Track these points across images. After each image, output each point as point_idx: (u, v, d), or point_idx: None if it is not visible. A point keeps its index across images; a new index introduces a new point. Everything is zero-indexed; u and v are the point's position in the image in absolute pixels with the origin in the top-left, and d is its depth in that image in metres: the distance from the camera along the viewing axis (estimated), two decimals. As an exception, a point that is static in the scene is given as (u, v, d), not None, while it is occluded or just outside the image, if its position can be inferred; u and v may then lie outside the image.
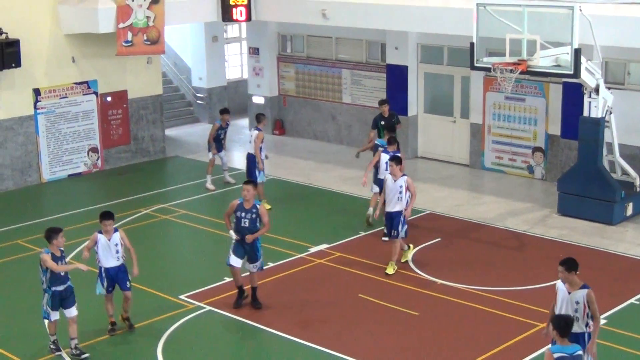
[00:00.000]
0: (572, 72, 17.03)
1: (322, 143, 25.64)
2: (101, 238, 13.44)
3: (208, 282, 15.71)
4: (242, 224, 14.14)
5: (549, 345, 11.14)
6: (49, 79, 22.14)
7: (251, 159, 19.60)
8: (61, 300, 12.84)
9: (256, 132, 19.47)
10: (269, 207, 19.46)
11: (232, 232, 14.35)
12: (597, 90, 17.88)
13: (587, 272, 15.89)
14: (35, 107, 21.98)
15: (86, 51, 22.70)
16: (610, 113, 18.33)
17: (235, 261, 14.34)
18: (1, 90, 21.26)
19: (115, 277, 13.56)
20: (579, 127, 18.54)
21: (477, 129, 22.61)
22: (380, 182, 17.41)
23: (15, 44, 20.72)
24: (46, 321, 13.01)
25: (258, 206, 14.19)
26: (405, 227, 15.91)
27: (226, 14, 23.82)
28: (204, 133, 27.68)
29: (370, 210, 18.19)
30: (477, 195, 20.77)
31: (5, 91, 21.35)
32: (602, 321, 13.78)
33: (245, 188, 14.21)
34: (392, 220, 15.80)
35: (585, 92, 18.17)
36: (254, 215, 14.10)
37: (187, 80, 29.68)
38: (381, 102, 20.27)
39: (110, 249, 13.44)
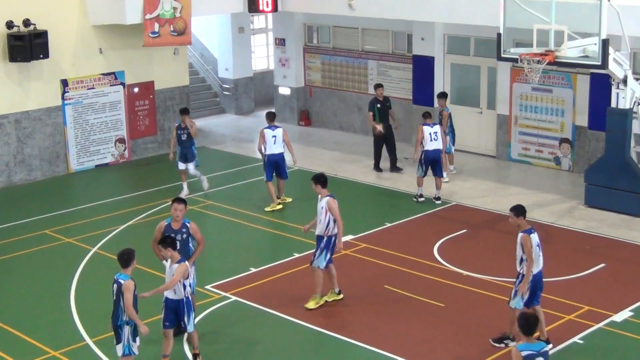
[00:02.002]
0: (600, 63, 16.90)
1: (347, 134, 25.64)
2: (167, 263, 12.04)
3: (234, 272, 15.78)
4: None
5: (514, 344, 12.14)
6: (77, 70, 22.28)
7: (281, 159, 19.18)
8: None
9: (280, 129, 19.10)
10: (289, 199, 19.56)
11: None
12: (625, 81, 17.76)
13: (614, 263, 15.85)
14: (63, 98, 22.13)
15: (113, 42, 22.82)
16: (639, 104, 18.19)
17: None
18: (30, 81, 21.41)
19: (176, 312, 12.00)
20: (606, 118, 18.43)
21: (504, 120, 22.51)
22: (425, 159, 19.04)
23: (43, 35, 20.86)
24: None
25: (188, 225, 12.84)
26: (328, 255, 13.98)
27: (252, 5, 23.87)
28: (230, 124, 27.86)
29: (418, 190, 19.40)
30: (503, 186, 20.69)
31: (33, 82, 21.50)
32: (629, 314, 13.74)
33: (176, 207, 12.82)
34: (316, 243, 14.14)
35: (613, 83, 18.06)
36: (184, 236, 12.76)
37: (213, 71, 29.76)
38: (376, 86, 21.83)
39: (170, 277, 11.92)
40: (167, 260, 12.15)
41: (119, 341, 11.40)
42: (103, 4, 21.88)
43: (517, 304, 12.40)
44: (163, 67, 24.10)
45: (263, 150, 19.13)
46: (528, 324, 9.64)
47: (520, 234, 12.34)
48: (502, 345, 12.76)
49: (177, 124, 20.07)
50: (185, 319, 12.03)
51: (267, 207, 19.16)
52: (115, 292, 11.21)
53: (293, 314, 13.98)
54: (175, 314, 12.02)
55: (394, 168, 21.89)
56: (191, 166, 20.03)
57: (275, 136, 19.00)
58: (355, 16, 23.31)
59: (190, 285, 12.16)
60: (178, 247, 12.37)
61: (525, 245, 12.22)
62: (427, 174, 19.24)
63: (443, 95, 21.25)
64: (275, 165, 19.15)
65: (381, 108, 21.60)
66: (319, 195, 14.11)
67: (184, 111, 20.07)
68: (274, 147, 19.03)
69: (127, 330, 11.32)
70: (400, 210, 18.93)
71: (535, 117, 21.93)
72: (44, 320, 14.11)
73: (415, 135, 19.74)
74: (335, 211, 13.84)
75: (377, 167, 22.05)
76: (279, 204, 19.30)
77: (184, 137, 19.86)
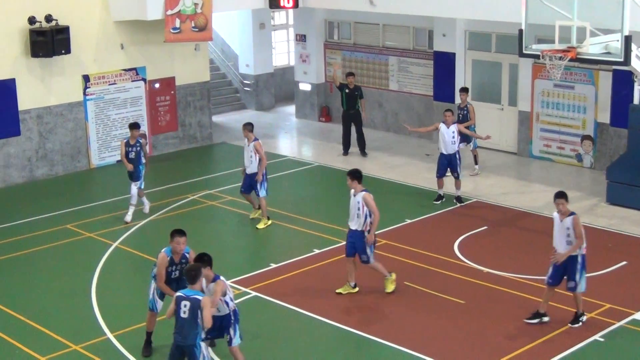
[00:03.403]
0: (622, 60, 16.76)
1: (368, 130, 25.52)
2: (203, 285, 11.46)
3: (254, 268, 15.80)
4: (172, 276, 12.30)
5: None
6: (98, 66, 22.37)
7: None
8: None
9: (255, 142, 17.73)
10: (268, 222, 17.99)
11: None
12: (647, 77, 17.65)
13: (636, 261, 15.78)
14: (84, 94, 22.23)
15: (135, 38, 22.89)
16: (661, 101, 18.09)
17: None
18: (52, 76, 21.52)
19: (221, 326, 11.65)
20: (629, 115, 18.33)
21: (525, 116, 22.42)
22: (442, 162, 18.98)
23: (65, 30, 20.95)
24: None
25: (187, 255, 12.26)
26: (373, 248, 14.42)
27: (273, 1, 23.88)
28: (250, 120, 27.73)
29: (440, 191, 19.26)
30: (524, 183, 20.61)
31: (55, 77, 21.61)
32: (651, 312, 13.70)
33: (179, 241, 12.11)
34: (353, 239, 14.31)
35: (635, 79, 17.93)
36: (184, 266, 12.11)
37: (234, 67, 29.81)
38: (348, 74, 23.14)
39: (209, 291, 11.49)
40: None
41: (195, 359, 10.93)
42: (125, 0, 21.93)
43: (584, 286, 13.11)
44: (184, 63, 24.15)
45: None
46: None
47: (572, 217, 12.87)
48: (579, 324, 13.18)
49: (125, 140, 18.28)
50: (232, 332, 11.66)
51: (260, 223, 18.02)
52: (189, 309, 10.72)
53: (313, 309, 13.98)
54: (219, 328, 11.61)
55: (363, 153, 23.09)
56: (134, 187, 18.26)
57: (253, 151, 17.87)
58: (376, 12, 23.26)
59: (232, 299, 11.61)
60: (178, 276, 12.24)
61: (577, 225, 12.82)
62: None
63: (467, 90, 21.21)
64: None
65: (349, 94, 22.85)
66: (352, 190, 14.30)
67: (134, 126, 18.26)
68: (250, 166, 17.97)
69: (203, 346, 10.98)
70: (420, 206, 18.90)
71: (557, 113, 21.83)
72: (65, 315, 14.18)
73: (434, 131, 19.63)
74: (371, 205, 14.10)
75: (345, 153, 23.31)
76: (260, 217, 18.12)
77: (131, 155, 18.16)
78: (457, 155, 18.90)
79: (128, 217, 18.31)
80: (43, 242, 17.35)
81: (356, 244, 14.28)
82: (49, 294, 15.10)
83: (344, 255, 14.72)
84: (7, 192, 20.88)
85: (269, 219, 18.01)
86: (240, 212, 18.90)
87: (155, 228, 18.02)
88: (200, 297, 10.76)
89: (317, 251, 16.51)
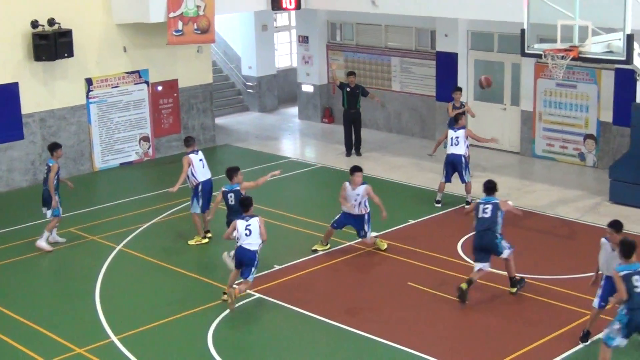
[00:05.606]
0: (624, 59, 16.76)
1: (370, 131, 25.59)
2: None
3: (258, 269, 15.76)
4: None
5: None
6: (101, 69, 22.40)
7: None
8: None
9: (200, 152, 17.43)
10: (202, 241, 17.14)
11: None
12: (650, 76, 17.64)
13: (640, 260, 15.72)
14: (87, 97, 22.26)
15: (137, 41, 22.92)
16: (664, 99, 18.06)
17: None
18: (54, 80, 21.55)
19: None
20: (631, 113, 18.31)
21: (528, 116, 22.42)
22: (445, 162, 18.96)
23: (67, 34, 20.98)
24: None
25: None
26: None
27: (275, 3, 23.88)
28: (253, 122, 27.94)
29: (437, 195, 19.20)
30: (527, 183, 20.61)
31: (58, 81, 21.64)
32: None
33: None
34: (356, 222, 16.50)
35: (637, 78, 17.92)
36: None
37: (236, 69, 29.83)
38: (349, 73, 23.43)
39: None
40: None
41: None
42: (127, 3, 21.95)
43: None
44: (187, 66, 24.17)
45: (194, 179, 17.16)
46: (630, 247, 11.08)
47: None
48: None
49: (56, 164, 16.88)
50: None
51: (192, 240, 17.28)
52: (234, 198, 15.47)
53: (316, 310, 13.99)
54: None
55: (357, 152, 23.30)
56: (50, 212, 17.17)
57: (202, 160, 17.36)
58: (379, 13, 23.27)
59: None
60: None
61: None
62: (452, 180, 19.05)
63: (460, 89, 21.26)
64: (210, 193, 17.40)
65: (350, 93, 23.07)
66: (350, 185, 16.32)
67: (56, 145, 17.15)
68: (205, 172, 17.39)
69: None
70: (423, 207, 18.89)
71: (560, 113, 21.82)
72: (69, 318, 14.21)
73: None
74: (372, 194, 16.33)
75: (348, 153, 23.33)
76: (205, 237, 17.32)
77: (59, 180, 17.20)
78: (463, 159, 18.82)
79: (59, 238, 17.43)
80: (47, 246, 17.37)
81: (358, 224, 16.48)
82: (53, 297, 15.14)
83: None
84: (10, 195, 20.94)
85: (205, 235, 17.19)
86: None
87: (159, 231, 18.03)
88: (238, 187, 15.52)
89: (321, 252, 16.51)
